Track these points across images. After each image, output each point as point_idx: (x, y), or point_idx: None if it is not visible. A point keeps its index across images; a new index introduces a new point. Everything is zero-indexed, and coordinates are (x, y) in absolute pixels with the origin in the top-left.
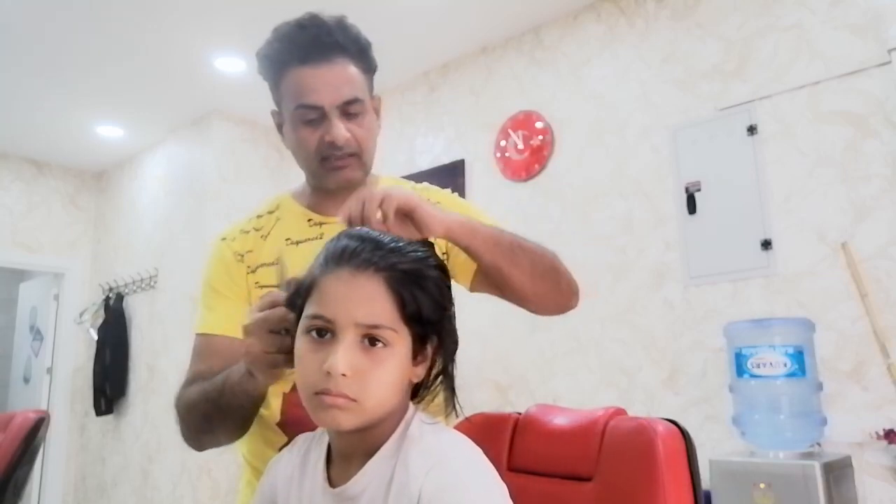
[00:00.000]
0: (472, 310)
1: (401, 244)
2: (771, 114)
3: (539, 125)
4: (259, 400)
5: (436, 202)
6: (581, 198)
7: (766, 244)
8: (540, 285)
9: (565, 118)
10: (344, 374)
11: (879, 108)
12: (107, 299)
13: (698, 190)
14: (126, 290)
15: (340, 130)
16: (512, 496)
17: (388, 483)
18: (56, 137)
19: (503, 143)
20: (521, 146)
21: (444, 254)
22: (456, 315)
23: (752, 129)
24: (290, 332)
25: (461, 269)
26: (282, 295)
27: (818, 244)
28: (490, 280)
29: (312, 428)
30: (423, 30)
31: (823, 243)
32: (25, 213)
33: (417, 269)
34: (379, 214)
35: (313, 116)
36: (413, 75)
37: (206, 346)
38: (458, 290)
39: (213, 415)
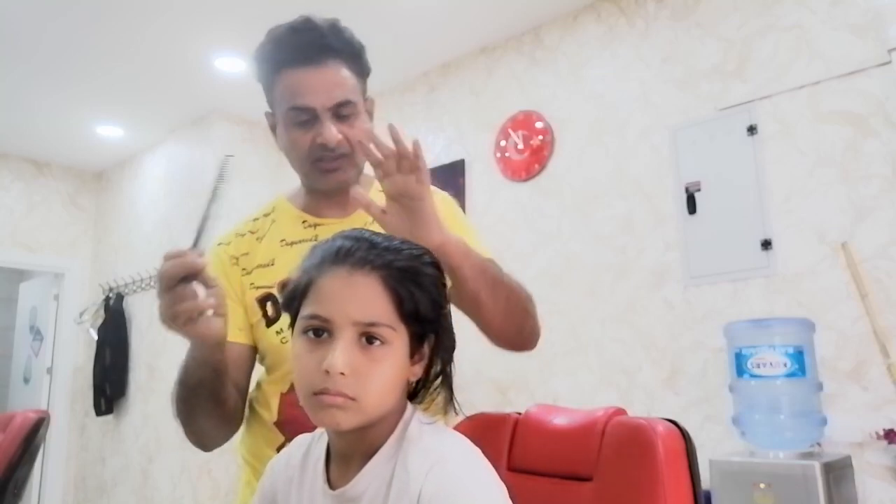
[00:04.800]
0: None
1: (395, 243)
2: (771, 114)
3: (539, 125)
4: (213, 367)
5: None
6: (581, 198)
7: (766, 244)
8: (507, 324)
9: (565, 118)
10: (342, 373)
11: (879, 108)
12: (107, 299)
13: (698, 190)
14: (126, 290)
15: (332, 132)
16: (512, 496)
17: (388, 484)
18: (56, 137)
19: (503, 143)
20: (521, 146)
21: None
22: (453, 314)
23: (752, 129)
24: (190, 279)
25: None
26: (177, 252)
27: (818, 244)
28: (461, 304)
29: (310, 428)
30: (423, 30)
31: (823, 243)
32: (25, 213)
33: (414, 266)
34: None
35: (305, 118)
36: (413, 75)
37: None
38: None
39: (188, 397)
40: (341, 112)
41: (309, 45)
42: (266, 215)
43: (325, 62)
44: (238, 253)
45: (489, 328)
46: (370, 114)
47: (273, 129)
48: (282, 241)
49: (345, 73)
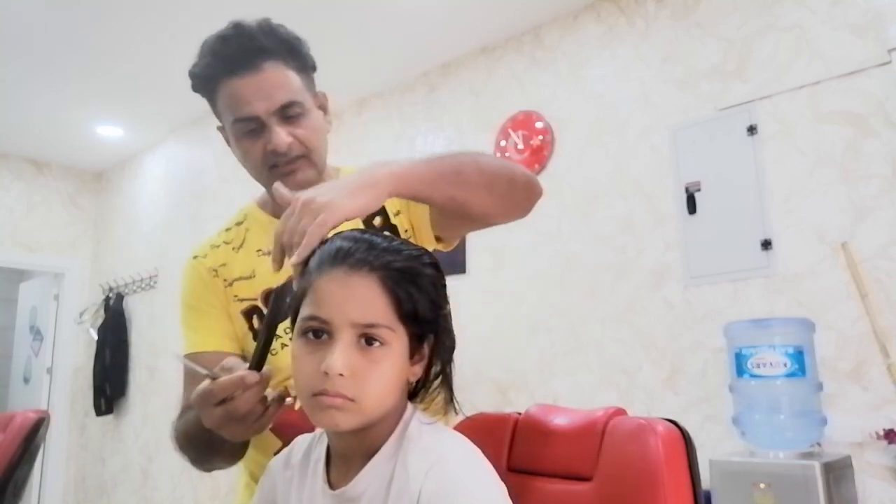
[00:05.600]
0: (473, 310)
1: (394, 244)
2: (771, 114)
3: (539, 125)
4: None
5: None
6: (581, 198)
7: (766, 244)
8: (498, 196)
9: (565, 118)
10: (341, 374)
11: (879, 108)
12: (107, 299)
13: (698, 190)
14: (126, 291)
15: (281, 137)
16: (512, 496)
17: (388, 484)
18: (56, 137)
19: (503, 143)
20: (521, 146)
21: (405, 231)
22: (453, 315)
23: (752, 129)
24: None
25: (418, 226)
26: (233, 361)
27: (818, 244)
28: (449, 213)
29: (306, 430)
30: (423, 30)
31: (823, 243)
32: (25, 213)
33: (412, 267)
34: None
35: (252, 127)
36: (413, 75)
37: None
38: (457, 293)
39: (207, 452)
40: (288, 113)
41: (241, 52)
42: (239, 224)
43: (262, 66)
44: (216, 264)
45: (489, 215)
46: (324, 108)
47: (227, 142)
48: (258, 250)
49: (285, 73)
